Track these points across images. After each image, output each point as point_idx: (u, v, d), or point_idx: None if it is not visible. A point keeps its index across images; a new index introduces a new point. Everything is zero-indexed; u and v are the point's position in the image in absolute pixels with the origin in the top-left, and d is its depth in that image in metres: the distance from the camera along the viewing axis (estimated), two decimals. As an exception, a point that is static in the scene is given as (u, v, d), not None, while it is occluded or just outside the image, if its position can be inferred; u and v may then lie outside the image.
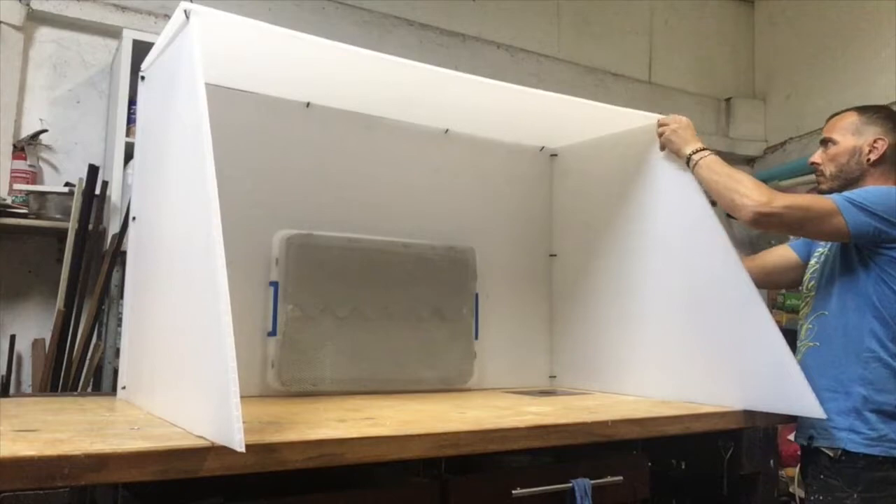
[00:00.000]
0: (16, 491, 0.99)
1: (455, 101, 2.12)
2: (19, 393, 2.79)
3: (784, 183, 3.90)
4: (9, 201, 2.76)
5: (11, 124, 2.91)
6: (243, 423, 1.08)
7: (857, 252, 1.83)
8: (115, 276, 2.71)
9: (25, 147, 2.89)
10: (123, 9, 3.10)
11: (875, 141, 1.89)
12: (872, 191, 1.82)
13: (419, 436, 1.35)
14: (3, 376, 2.74)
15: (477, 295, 2.35)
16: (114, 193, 2.77)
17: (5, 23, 2.89)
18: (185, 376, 1.35)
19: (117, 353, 2.73)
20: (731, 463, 1.86)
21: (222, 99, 1.88)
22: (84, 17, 3.05)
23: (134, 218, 1.84)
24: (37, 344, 2.81)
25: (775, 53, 4.74)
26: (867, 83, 4.03)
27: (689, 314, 2.01)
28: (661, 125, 2.09)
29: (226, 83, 1.97)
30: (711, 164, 1.92)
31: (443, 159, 2.40)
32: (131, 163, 2.73)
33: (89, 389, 2.67)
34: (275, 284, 2.02)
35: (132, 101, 2.77)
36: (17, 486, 0.98)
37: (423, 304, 2.24)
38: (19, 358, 2.85)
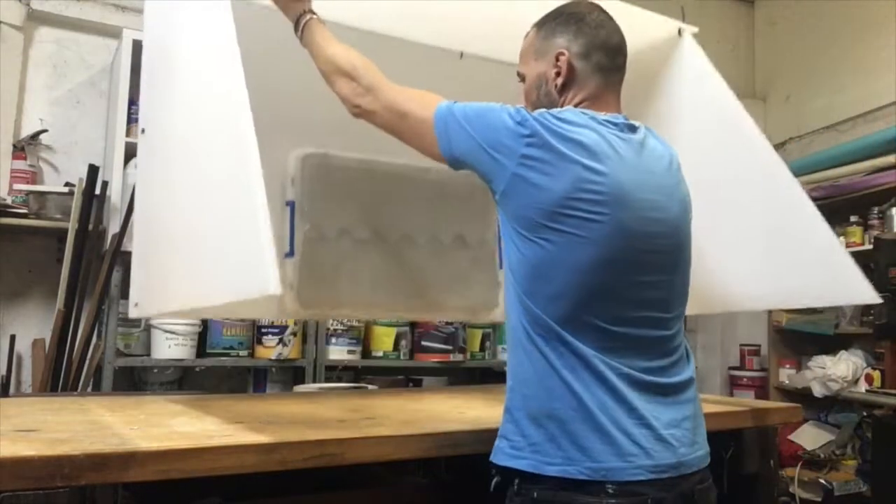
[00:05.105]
0: (16, 491, 0.99)
1: (472, 20, 1.97)
2: (19, 393, 2.79)
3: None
4: (9, 201, 2.77)
5: (11, 124, 2.91)
6: (242, 422, 1.08)
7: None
8: (115, 276, 2.72)
9: (25, 147, 2.89)
10: (123, 9, 3.10)
11: (557, 58, 1.35)
12: (479, 107, 1.30)
13: (419, 436, 1.35)
14: (3, 376, 2.74)
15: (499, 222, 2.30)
16: (114, 193, 2.77)
17: (5, 23, 2.89)
18: (212, 250, 1.31)
19: (117, 352, 2.74)
20: (731, 463, 1.85)
21: (235, 13, 1.84)
22: (84, 17, 3.05)
23: (143, 130, 1.80)
24: (37, 344, 2.81)
25: (775, 53, 4.73)
26: (867, 83, 4.03)
27: (728, 221, 1.87)
28: None
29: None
30: (314, 36, 1.51)
31: (461, 81, 2.26)
32: (131, 162, 2.73)
33: (89, 389, 2.68)
34: (291, 204, 1.97)
35: (132, 101, 2.77)
36: (17, 486, 0.97)
37: (444, 230, 2.16)
38: (19, 358, 2.85)
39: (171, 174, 1.58)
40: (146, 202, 1.77)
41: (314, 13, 1.53)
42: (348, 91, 1.43)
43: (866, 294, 1.63)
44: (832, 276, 1.67)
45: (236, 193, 1.18)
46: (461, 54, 2.18)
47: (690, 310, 1.65)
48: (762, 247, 1.82)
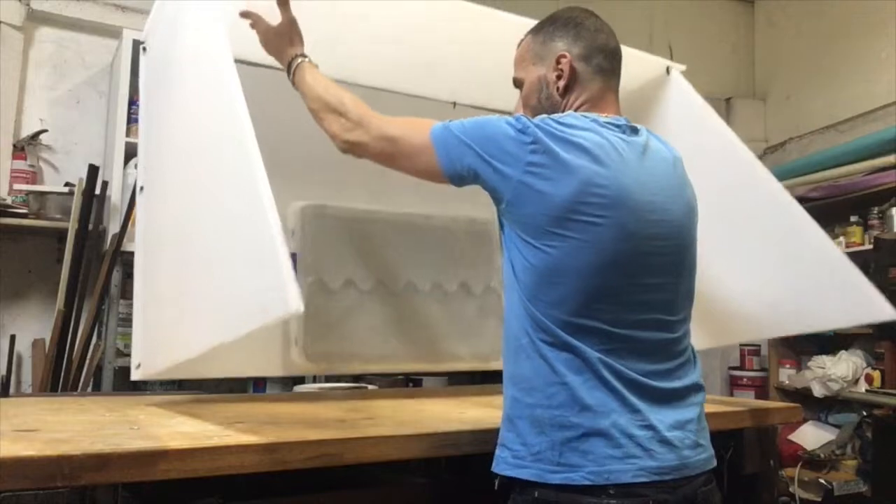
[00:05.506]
0: (16, 491, 0.99)
1: (464, 70, 2.01)
2: (19, 393, 2.79)
3: (784, 183, 3.90)
4: (9, 201, 2.77)
5: (11, 124, 2.91)
6: (242, 422, 1.08)
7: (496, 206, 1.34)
8: (115, 276, 2.71)
9: (25, 147, 2.89)
10: (123, 9, 3.10)
11: (558, 61, 1.35)
12: (477, 120, 1.30)
13: (419, 436, 1.35)
14: (3, 376, 2.74)
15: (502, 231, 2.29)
16: (114, 193, 2.77)
17: (5, 23, 2.89)
18: (224, 285, 1.28)
19: (117, 353, 2.74)
20: (731, 463, 1.85)
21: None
22: (84, 17, 3.05)
23: (142, 188, 1.79)
24: (37, 344, 2.81)
25: (775, 53, 4.73)
26: (867, 83, 4.03)
27: (733, 250, 1.86)
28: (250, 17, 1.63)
29: (236, 55, 1.94)
30: (305, 76, 1.50)
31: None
32: (131, 162, 2.73)
33: (89, 389, 2.68)
34: (293, 256, 1.95)
35: (132, 101, 2.77)
36: (17, 486, 0.97)
37: (448, 278, 2.15)
38: (19, 358, 2.85)
39: (174, 219, 1.57)
40: (147, 256, 1.75)
41: (306, 56, 1.53)
42: (337, 127, 1.41)
43: (886, 311, 1.56)
44: (847, 297, 1.63)
45: (246, 218, 1.17)
46: (454, 104, 2.22)
47: (705, 343, 1.60)
48: (770, 275, 1.80)
